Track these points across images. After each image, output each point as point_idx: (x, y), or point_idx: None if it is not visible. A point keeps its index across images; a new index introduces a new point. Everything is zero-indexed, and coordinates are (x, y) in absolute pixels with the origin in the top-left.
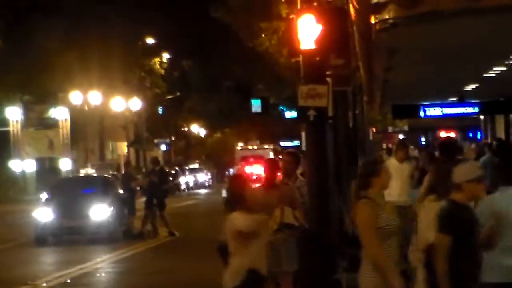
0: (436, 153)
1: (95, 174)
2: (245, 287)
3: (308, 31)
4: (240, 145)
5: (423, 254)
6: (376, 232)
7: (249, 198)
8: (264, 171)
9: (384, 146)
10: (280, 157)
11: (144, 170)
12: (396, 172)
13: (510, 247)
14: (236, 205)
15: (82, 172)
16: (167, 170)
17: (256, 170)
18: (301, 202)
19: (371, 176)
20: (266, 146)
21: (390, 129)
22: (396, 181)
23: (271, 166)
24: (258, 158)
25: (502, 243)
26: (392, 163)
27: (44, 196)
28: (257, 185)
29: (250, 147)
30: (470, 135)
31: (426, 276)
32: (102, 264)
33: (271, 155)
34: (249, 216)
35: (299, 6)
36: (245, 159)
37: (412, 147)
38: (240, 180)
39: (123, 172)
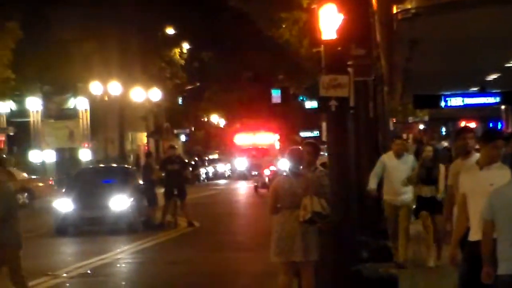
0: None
1: (114, 165)
2: None
3: (329, 21)
4: (240, 135)
5: None
6: None
7: (276, 187)
8: (288, 160)
9: (405, 136)
10: (300, 147)
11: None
12: (394, 168)
13: None
14: None
15: None
16: (186, 160)
17: (258, 163)
18: (323, 192)
19: None
20: (270, 136)
21: (410, 119)
22: (392, 178)
23: (295, 155)
24: (261, 150)
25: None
26: (389, 157)
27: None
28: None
29: (252, 138)
30: (491, 125)
31: None
32: (122, 254)
33: (277, 146)
34: None
35: None
36: (246, 152)
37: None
38: None
39: (143, 163)
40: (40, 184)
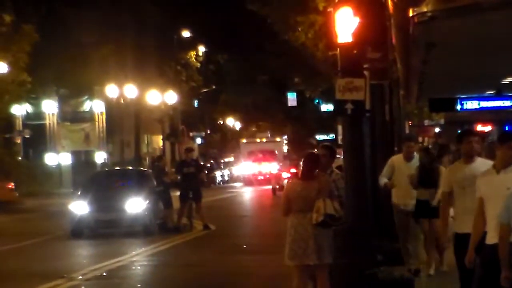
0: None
1: (130, 168)
2: None
3: (345, 24)
4: (246, 139)
5: None
6: None
7: (288, 190)
8: (303, 164)
9: (421, 139)
10: (316, 150)
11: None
12: (403, 172)
13: None
14: None
15: None
16: (202, 163)
17: (265, 168)
18: (336, 195)
19: None
20: (278, 139)
21: (426, 122)
22: (402, 181)
23: (311, 159)
24: (268, 154)
25: None
26: (398, 160)
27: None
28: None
29: (258, 141)
30: (507, 128)
31: None
32: (138, 257)
33: (285, 149)
34: None
35: None
36: (252, 155)
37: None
38: None
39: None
40: None
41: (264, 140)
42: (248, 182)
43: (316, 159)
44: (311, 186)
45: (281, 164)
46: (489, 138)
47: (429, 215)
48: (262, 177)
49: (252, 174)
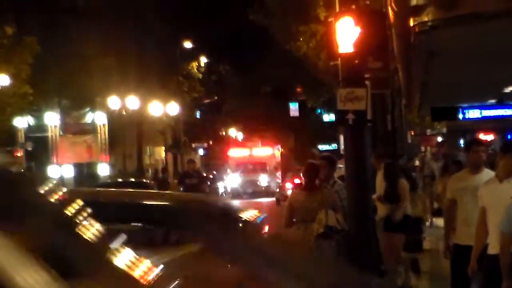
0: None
1: (132, 180)
2: None
3: (346, 34)
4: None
5: None
6: None
7: (291, 201)
8: (304, 175)
9: (423, 148)
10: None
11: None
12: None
13: None
14: None
15: None
16: (204, 174)
17: (253, 181)
18: (340, 206)
19: None
20: (269, 149)
21: (428, 131)
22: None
23: (310, 169)
24: (257, 165)
25: None
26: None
27: None
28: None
29: (247, 151)
30: (509, 137)
31: None
32: None
33: (278, 158)
34: None
35: (337, 9)
36: (240, 167)
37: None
38: None
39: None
40: None
41: (253, 150)
42: (236, 195)
43: (315, 169)
44: (314, 197)
45: (272, 176)
46: (489, 148)
47: (391, 230)
48: (250, 191)
49: (240, 187)
